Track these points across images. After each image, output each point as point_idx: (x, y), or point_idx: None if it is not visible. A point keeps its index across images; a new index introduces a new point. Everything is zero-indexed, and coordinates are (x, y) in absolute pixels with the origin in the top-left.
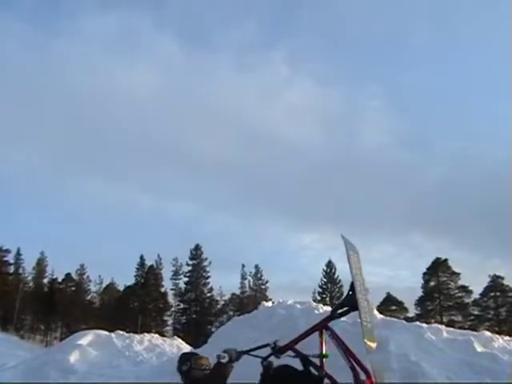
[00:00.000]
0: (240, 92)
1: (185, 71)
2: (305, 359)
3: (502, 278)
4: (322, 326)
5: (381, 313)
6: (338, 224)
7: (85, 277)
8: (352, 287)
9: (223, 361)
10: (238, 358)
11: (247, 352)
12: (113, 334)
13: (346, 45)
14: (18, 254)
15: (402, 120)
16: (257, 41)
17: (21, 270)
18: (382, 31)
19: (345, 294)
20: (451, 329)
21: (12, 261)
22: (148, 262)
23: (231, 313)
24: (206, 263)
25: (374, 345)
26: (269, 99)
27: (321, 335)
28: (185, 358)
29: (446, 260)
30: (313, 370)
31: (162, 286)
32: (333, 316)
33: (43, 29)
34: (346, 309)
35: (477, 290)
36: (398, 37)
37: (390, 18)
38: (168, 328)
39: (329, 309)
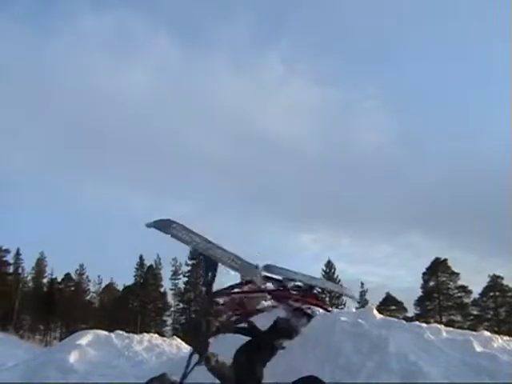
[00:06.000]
0: (236, 91)
1: (181, 71)
2: (237, 330)
3: (502, 278)
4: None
5: (380, 312)
6: (336, 224)
7: (84, 277)
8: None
9: None
10: None
11: (183, 379)
12: (112, 334)
13: (342, 44)
14: (18, 253)
15: (399, 120)
16: (253, 40)
17: (20, 270)
18: (378, 30)
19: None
20: (450, 329)
21: (11, 261)
22: (147, 262)
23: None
24: None
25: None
26: (265, 98)
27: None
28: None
29: (445, 260)
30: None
31: (162, 286)
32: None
33: (40, 28)
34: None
35: (476, 289)
36: (395, 36)
37: (387, 18)
38: (167, 328)
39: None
